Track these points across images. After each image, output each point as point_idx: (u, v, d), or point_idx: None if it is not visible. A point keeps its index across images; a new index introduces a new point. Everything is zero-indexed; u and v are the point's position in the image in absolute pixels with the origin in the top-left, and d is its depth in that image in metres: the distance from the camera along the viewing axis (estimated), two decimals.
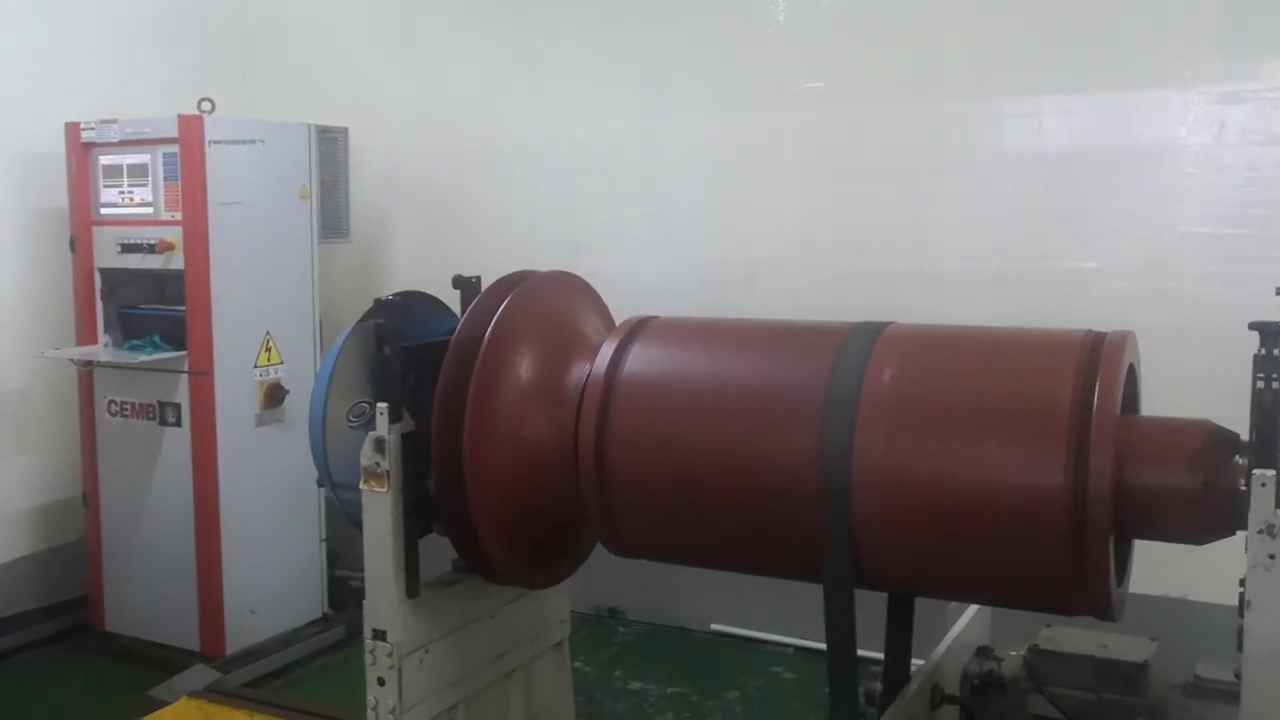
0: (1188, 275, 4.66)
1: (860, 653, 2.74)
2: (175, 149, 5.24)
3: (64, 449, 5.85)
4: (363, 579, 3.05)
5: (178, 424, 5.36)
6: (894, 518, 2.61)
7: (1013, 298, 4.82)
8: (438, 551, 3.16)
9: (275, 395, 5.52)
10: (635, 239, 5.81)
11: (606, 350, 3.01)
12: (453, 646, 3.19)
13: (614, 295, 3.41)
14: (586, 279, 3.35)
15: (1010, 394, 2.60)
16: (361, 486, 2.96)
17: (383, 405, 2.93)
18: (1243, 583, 2.35)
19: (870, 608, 2.83)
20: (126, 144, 5.39)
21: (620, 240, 5.81)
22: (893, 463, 2.60)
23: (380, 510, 2.94)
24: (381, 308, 2.95)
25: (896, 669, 2.95)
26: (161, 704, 4.47)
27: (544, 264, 3.33)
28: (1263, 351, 2.34)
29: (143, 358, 5.29)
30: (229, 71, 6.68)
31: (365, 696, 3.04)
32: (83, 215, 5.53)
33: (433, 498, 2.99)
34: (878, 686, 2.86)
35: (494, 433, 2.91)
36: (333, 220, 5.83)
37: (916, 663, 3.03)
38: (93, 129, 5.46)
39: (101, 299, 5.52)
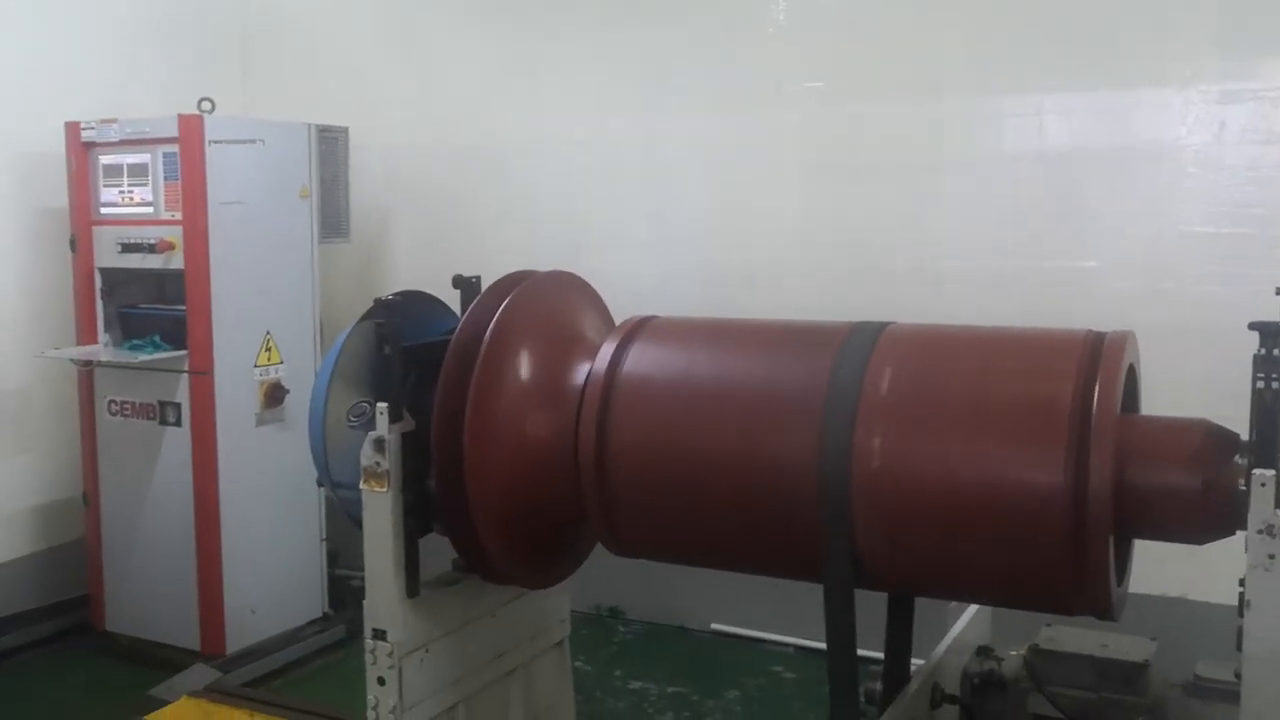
0: (1188, 275, 4.66)
1: (860, 652, 2.74)
2: (175, 148, 5.24)
3: (64, 448, 5.85)
4: (363, 578, 3.05)
5: (178, 423, 5.36)
6: (894, 517, 2.61)
7: (1013, 297, 4.82)
8: (438, 551, 3.16)
9: (275, 395, 5.52)
10: (635, 239, 5.81)
11: (606, 350, 3.01)
12: (453, 646, 3.19)
13: (614, 295, 3.41)
14: (586, 279, 3.35)
15: (1010, 393, 2.60)
16: (361, 486, 2.96)
17: (383, 405, 2.93)
18: (1242, 582, 2.35)
19: (870, 607, 2.83)
20: (126, 143, 5.39)
21: (620, 240, 5.81)
22: (892, 462, 2.60)
23: (380, 510, 2.95)
24: (381, 307, 2.95)
25: (896, 668, 2.95)
26: (162, 703, 4.47)
27: (544, 264, 3.33)
28: (1262, 351, 2.34)
29: (143, 357, 5.29)
30: (229, 71, 6.68)
31: (365, 696, 3.04)
32: (83, 215, 5.53)
33: (433, 497, 2.99)
34: (878, 686, 2.86)
35: (494, 432, 2.91)
36: (333, 220, 5.83)
37: (916, 662, 3.04)
38: (93, 128, 5.46)
39: (102, 298, 5.52)
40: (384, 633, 2.99)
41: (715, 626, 5.78)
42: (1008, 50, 4.96)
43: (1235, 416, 2.51)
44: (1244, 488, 2.33)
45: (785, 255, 5.46)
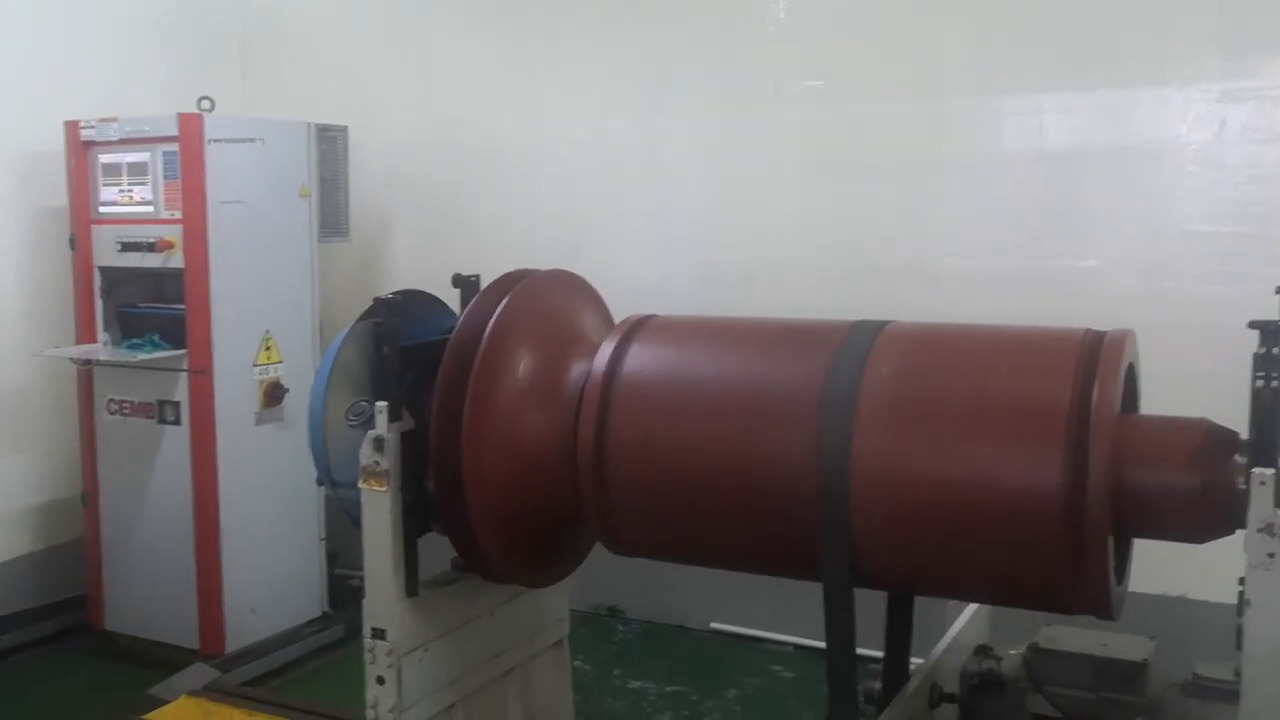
0: (1188, 274, 4.66)
1: (860, 651, 2.74)
2: (175, 147, 5.24)
3: (63, 448, 5.85)
4: (362, 578, 3.05)
5: (177, 422, 5.36)
6: (893, 516, 2.61)
7: (1012, 297, 4.81)
8: (437, 551, 3.16)
9: (275, 394, 5.52)
10: (635, 239, 5.80)
11: (606, 349, 3.00)
12: (452, 645, 3.19)
13: (614, 295, 3.40)
14: (586, 278, 3.35)
15: (1009, 392, 2.60)
16: (361, 485, 2.96)
17: (382, 404, 2.93)
18: (1242, 581, 2.35)
19: (870, 607, 2.83)
20: (126, 142, 5.39)
21: (620, 240, 5.80)
22: (891, 461, 2.60)
23: (379, 509, 2.94)
24: (381, 306, 2.95)
25: (896, 668, 2.95)
26: (161, 703, 4.46)
27: (544, 263, 3.32)
28: (1262, 350, 2.34)
29: (142, 356, 5.29)
30: (229, 70, 6.68)
31: (364, 695, 3.04)
32: (82, 214, 5.53)
33: (432, 496, 2.98)
34: (877, 685, 2.86)
35: (493, 432, 2.90)
36: (332, 219, 5.83)
37: (916, 661, 3.03)
38: (92, 127, 5.46)
39: (101, 297, 5.52)
40: (383, 632, 2.99)
41: (714, 626, 5.78)
42: (1008, 50, 4.96)
43: (1235, 416, 2.51)
44: (1244, 486, 2.33)
45: (785, 254, 5.46)
